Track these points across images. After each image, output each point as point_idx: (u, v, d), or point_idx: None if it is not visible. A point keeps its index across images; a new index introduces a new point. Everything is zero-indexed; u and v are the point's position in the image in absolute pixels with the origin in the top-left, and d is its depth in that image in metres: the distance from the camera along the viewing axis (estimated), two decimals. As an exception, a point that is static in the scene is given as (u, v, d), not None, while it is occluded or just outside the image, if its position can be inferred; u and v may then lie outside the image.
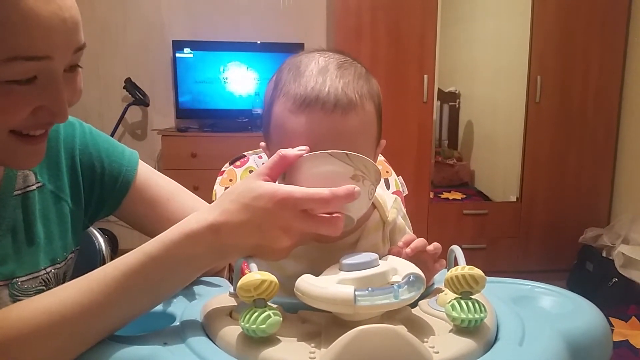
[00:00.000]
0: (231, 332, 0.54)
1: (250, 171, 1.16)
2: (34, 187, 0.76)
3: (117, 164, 0.83)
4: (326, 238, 0.60)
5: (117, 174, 0.83)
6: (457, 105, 3.53)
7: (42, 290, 0.75)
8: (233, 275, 1.02)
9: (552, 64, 2.98)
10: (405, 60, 2.94)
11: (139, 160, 0.87)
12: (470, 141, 3.58)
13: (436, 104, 3.06)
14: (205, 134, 3.15)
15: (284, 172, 0.61)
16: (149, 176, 0.86)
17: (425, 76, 2.95)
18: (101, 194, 0.83)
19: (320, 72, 0.65)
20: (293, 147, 0.61)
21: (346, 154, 0.59)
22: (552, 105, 3.02)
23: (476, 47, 3.49)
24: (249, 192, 0.57)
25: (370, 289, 0.51)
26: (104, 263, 1.06)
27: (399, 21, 2.92)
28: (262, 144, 0.74)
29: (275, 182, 0.59)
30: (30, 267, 0.74)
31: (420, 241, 0.66)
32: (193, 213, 0.60)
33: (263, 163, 1.16)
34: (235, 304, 0.62)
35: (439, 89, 3.09)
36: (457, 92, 3.51)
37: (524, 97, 3.03)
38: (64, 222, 0.80)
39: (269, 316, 0.52)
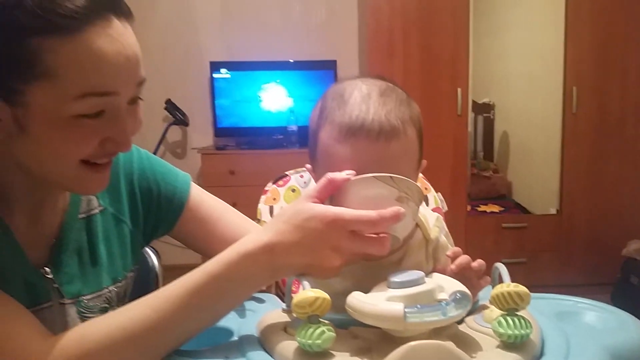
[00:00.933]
0: (288, 346, 0.58)
1: (293, 190, 1.20)
2: (96, 210, 0.82)
3: (172, 187, 0.88)
4: (373, 256, 0.63)
5: (172, 195, 0.88)
6: (491, 116, 3.51)
7: (106, 308, 0.80)
8: (282, 291, 1.06)
9: (588, 74, 2.95)
10: (438, 75, 2.96)
11: (191, 182, 0.92)
12: (506, 152, 3.54)
13: (470, 116, 3.06)
14: (243, 151, 3.23)
15: (331, 194, 0.64)
16: (201, 197, 0.91)
17: (459, 89, 2.95)
18: (158, 215, 0.88)
19: (364, 100, 0.68)
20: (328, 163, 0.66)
21: (391, 177, 0.62)
22: (589, 116, 2.98)
23: (510, 57, 3.48)
24: (300, 214, 0.61)
25: (419, 306, 0.53)
26: (157, 279, 1.11)
27: (430, 36, 2.95)
28: (308, 166, 0.77)
29: (324, 204, 0.63)
30: (94, 286, 0.80)
31: (464, 258, 0.68)
32: (249, 234, 0.64)
33: (305, 182, 1.21)
34: (288, 319, 0.66)
35: (472, 101, 3.09)
36: (491, 103, 3.49)
37: (560, 107, 3.00)
38: (124, 243, 0.85)
39: (323, 332, 0.55)
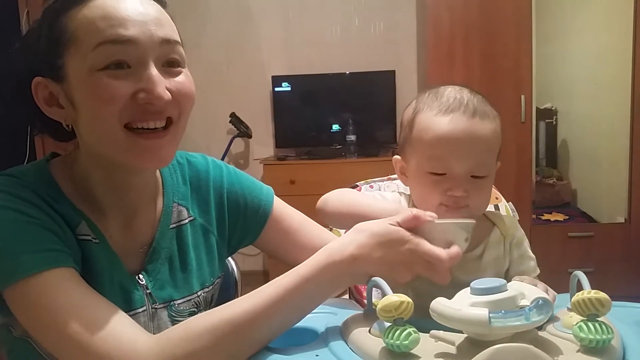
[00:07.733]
0: (374, 347, 0.62)
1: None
2: (186, 220, 0.88)
3: (257, 199, 0.95)
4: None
5: (257, 208, 0.94)
6: (554, 122, 3.43)
7: (194, 312, 0.86)
8: (355, 297, 1.11)
9: (660, 78, 2.84)
10: (501, 82, 2.92)
11: (274, 195, 0.98)
12: (569, 159, 3.45)
13: (533, 122, 3.01)
14: (302, 161, 3.33)
15: (412, 228, 0.71)
16: (283, 209, 0.97)
17: (522, 96, 2.91)
18: (244, 226, 0.94)
19: (457, 92, 0.79)
20: (435, 146, 0.76)
21: (466, 223, 0.72)
22: (661, 121, 2.87)
23: (574, 62, 3.39)
24: (387, 234, 0.70)
25: (503, 311, 0.56)
26: (236, 282, 1.19)
27: (493, 43, 2.92)
28: (397, 157, 0.85)
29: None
30: (185, 291, 0.86)
31: None
32: (333, 243, 0.71)
33: (377, 190, 1.25)
34: (369, 322, 0.70)
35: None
36: (553, 108, 3.41)
37: (628, 112, 2.90)
38: (212, 252, 0.91)
39: (410, 333, 0.59)
